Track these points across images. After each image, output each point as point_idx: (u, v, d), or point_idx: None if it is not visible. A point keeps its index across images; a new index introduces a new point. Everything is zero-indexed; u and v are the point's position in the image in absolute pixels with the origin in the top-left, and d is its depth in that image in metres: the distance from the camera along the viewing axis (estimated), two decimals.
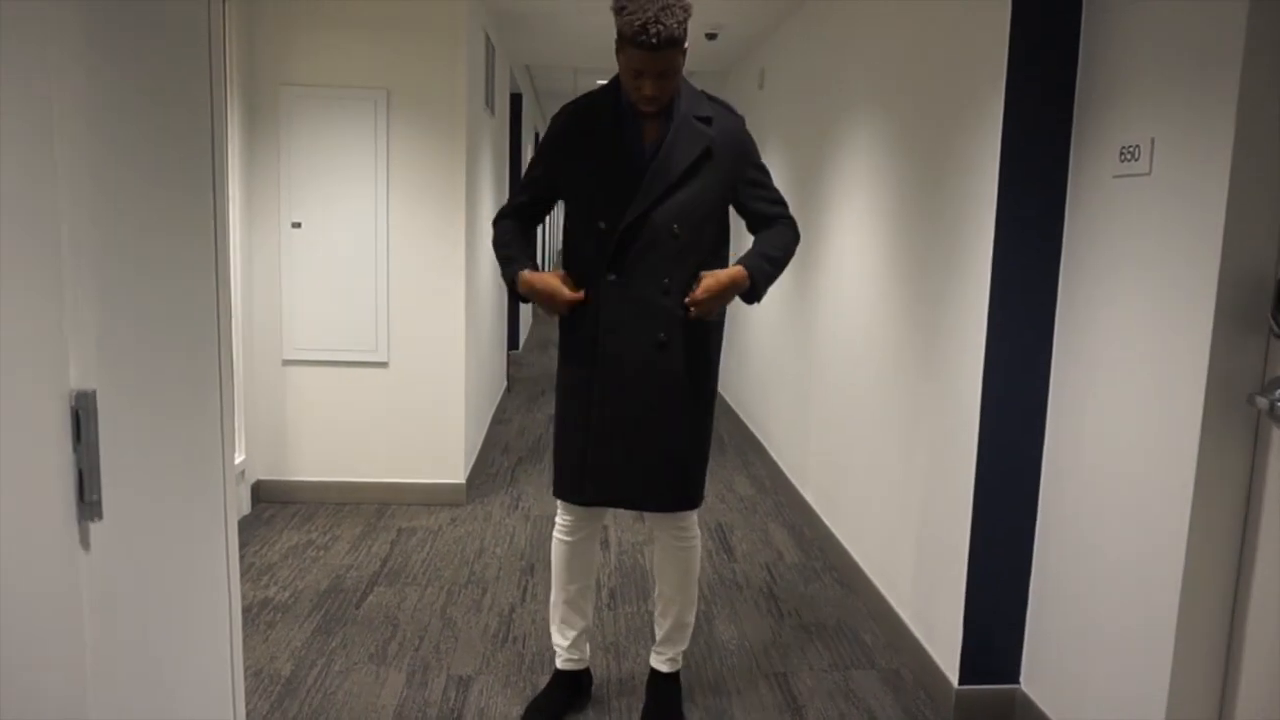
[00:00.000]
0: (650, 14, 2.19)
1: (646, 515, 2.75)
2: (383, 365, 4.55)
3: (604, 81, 2.56)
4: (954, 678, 2.72)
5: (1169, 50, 2.08)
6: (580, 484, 2.52)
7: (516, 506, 4.63)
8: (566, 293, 2.45)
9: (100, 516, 1.12)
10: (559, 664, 2.73)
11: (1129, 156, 2.21)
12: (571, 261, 2.51)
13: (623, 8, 2.24)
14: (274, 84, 4.31)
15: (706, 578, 3.77)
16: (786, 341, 5.07)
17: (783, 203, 2.58)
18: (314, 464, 4.59)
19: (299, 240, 4.42)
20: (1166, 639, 2.04)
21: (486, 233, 5.07)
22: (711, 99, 2.49)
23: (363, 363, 4.54)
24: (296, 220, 4.41)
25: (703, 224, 2.43)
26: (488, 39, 5.24)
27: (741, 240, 2.59)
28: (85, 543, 1.11)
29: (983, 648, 2.68)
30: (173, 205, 1.39)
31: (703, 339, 2.52)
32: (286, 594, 3.51)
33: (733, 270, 2.43)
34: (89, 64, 1.13)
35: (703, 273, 2.42)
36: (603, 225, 2.40)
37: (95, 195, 1.15)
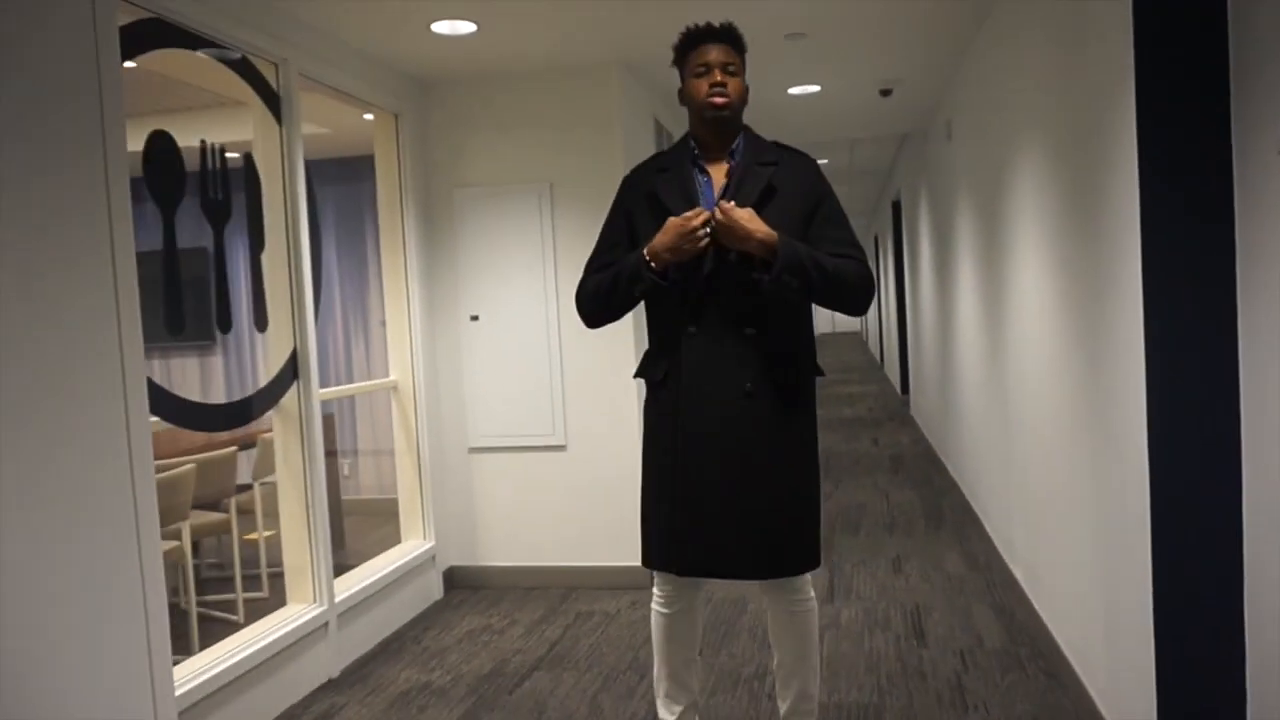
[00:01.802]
0: (706, 21, 2.33)
1: (759, 586, 2.51)
2: (561, 449, 4.59)
3: None
4: None
5: None
6: (671, 552, 2.35)
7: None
8: (693, 222, 2.19)
9: None
10: None
11: None
12: (653, 324, 2.44)
13: (680, 37, 2.34)
14: (448, 187, 4.59)
15: (887, 667, 3.37)
16: (986, 400, 4.57)
17: (856, 245, 2.33)
18: (502, 549, 4.67)
19: (478, 332, 4.60)
20: None
21: None
22: (781, 146, 2.41)
23: (542, 447, 4.60)
24: (475, 313, 4.61)
25: None
26: (657, 123, 5.31)
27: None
28: None
29: None
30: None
31: (794, 386, 2.31)
32: (448, 678, 3.53)
33: (768, 230, 2.18)
34: None
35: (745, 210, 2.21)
36: (679, 278, 2.29)
37: None
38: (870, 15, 3.90)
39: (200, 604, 4.32)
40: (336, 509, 5.24)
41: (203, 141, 3.17)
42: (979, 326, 4.72)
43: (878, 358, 17.23)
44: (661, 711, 2.53)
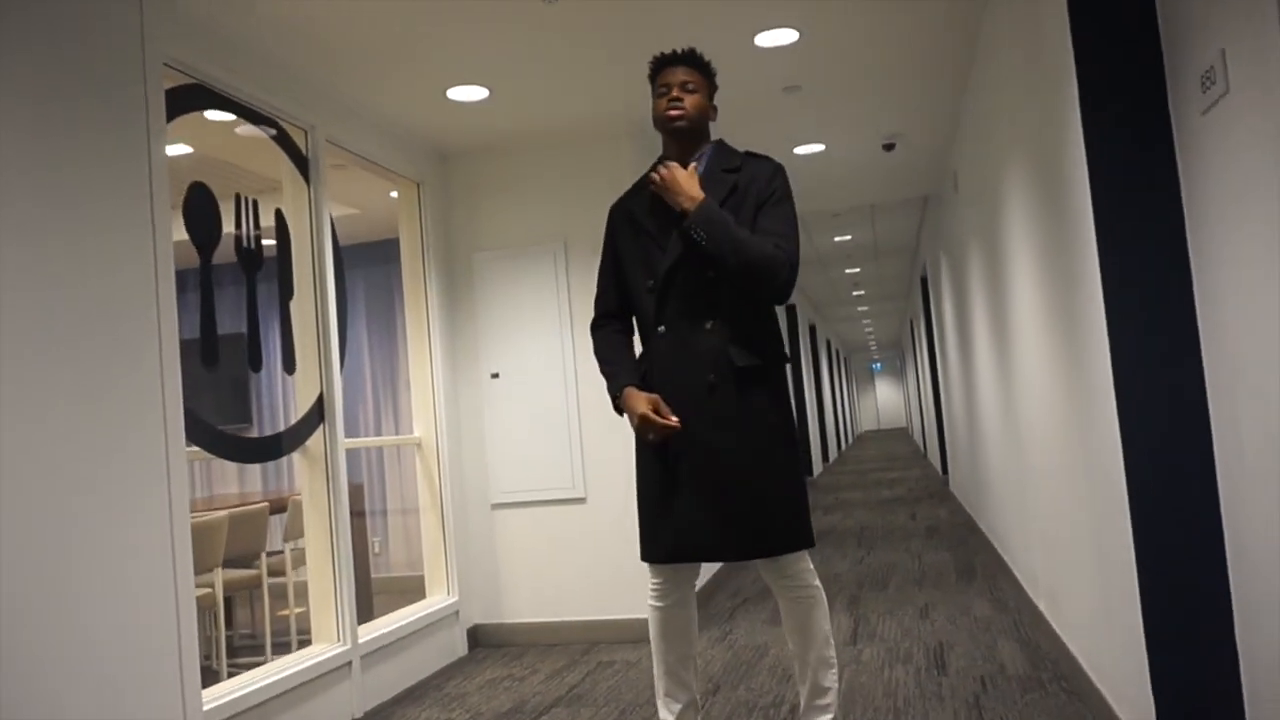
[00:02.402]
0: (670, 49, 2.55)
1: (762, 575, 2.56)
2: (581, 501, 4.66)
3: None
4: None
5: None
6: (660, 541, 2.41)
7: (724, 638, 4.40)
8: (659, 420, 2.35)
9: None
10: None
11: (1208, 82, 1.89)
12: (640, 328, 2.58)
13: (649, 66, 2.53)
14: (467, 250, 4.82)
15: (905, 693, 3.32)
16: (1003, 444, 4.58)
17: (784, 236, 2.42)
18: (525, 605, 4.69)
19: (498, 389, 4.75)
20: None
21: None
22: (750, 154, 2.55)
23: (563, 500, 4.67)
24: (495, 371, 4.77)
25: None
26: None
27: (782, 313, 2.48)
28: None
29: None
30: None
31: (760, 377, 2.42)
32: (467, 715, 3.54)
33: (699, 192, 2.39)
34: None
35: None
36: (650, 284, 2.46)
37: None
38: (861, 66, 4.12)
39: (231, 665, 4.39)
40: (365, 580, 5.31)
41: (238, 195, 3.43)
42: (993, 374, 4.77)
43: (921, 447, 17.07)
44: (661, 711, 2.54)
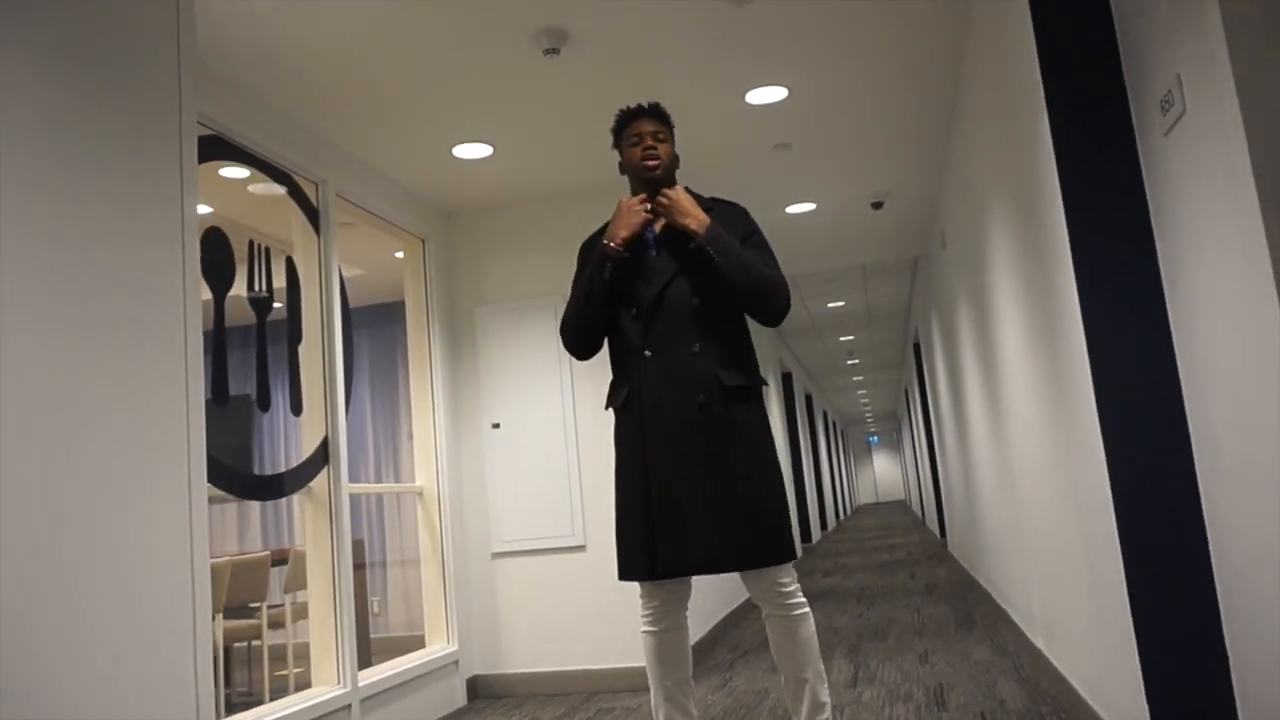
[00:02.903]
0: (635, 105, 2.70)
1: (750, 594, 2.60)
2: (580, 549, 4.69)
3: None
4: None
5: None
6: (644, 558, 2.47)
7: (724, 685, 4.40)
8: (634, 201, 2.60)
9: None
10: None
11: (1167, 105, 2.03)
12: (614, 355, 2.66)
13: (615, 118, 2.73)
14: (469, 304, 4.96)
15: None
16: (997, 493, 4.64)
17: (775, 266, 2.59)
18: (525, 654, 4.69)
19: (499, 439, 4.83)
20: None
21: None
22: (716, 199, 2.70)
23: (563, 548, 4.71)
24: (496, 421, 4.85)
25: (718, 294, 2.54)
26: None
27: (761, 338, 2.61)
28: None
29: None
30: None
31: (746, 397, 2.52)
32: None
33: (702, 214, 2.54)
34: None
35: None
36: (634, 311, 2.57)
37: None
38: (848, 124, 4.32)
39: None
40: (364, 636, 5.30)
41: (251, 241, 3.57)
42: (984, 418, 4.86)
43: (919, 515, 17.04)
44: None
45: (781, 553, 2.45)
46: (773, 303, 2.51)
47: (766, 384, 2.67)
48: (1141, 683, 2.22)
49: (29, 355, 2.25)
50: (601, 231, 2.77)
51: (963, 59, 3.81)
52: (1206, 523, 2.18)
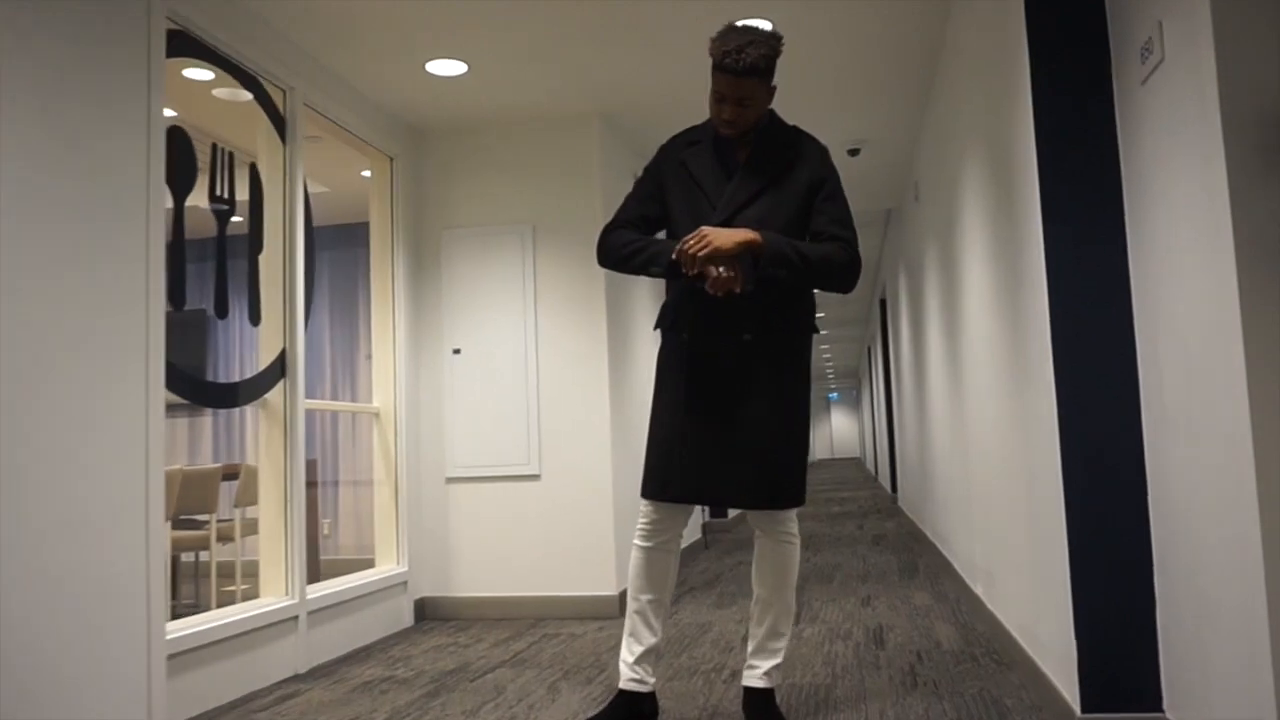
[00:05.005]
0: (737, 44, 2.39)
1: (750, 520, 2.67)
2: (535, 478, 4.72)
3: None
4: (1076, 705, 2.26)
5: None
6: (668, 481, 2.51)
7: (670, 618, 4.47)
8: (729, 279, 2.40)
9: None
10: (621, 684, 2.59)
11: (1147, 52, 2.04)
12: (670, 280, 2.62)
13: (719, 35, 2.45)
14: (437, 228, 4.89)
15: (843, 662, 3.42)
16: (950, 447, 4.73)
17: (846, 225, 2.54)
18: (474, 579, 4.73)
19: (459, 365, 4.81)
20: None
21: (630, 350, 5.26)
22: (799, 131, 2.62)
23: (516, 476, 4.73)
24: (457, 347, 4.82)
25: (781, 234, 2.50)
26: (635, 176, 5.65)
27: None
28: None
29: (1103, 669, 2.23)
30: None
31: (789, 342, 2.54)
32: (411, 673, 3.57)
33: (747, 232, 2.41)
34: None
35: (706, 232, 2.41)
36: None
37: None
38: (829, 64, 4.28)
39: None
40: (314, 556, 5.30)
41: (214, 145, 3.47)
42: (944, 371, 4.92)
43: (873, 471, 17.33)
44: (623, 651, 2.61)
45: (794, 498, 2.54)
46: (837, 285, 2.53)
47: (818, 330, 2.66)
48: (1072, 626, 2.29)
49: None
50: (680, 138, 2.67)
51: (949, 7, 3.78)
52: (1148, 472, 2.24)
